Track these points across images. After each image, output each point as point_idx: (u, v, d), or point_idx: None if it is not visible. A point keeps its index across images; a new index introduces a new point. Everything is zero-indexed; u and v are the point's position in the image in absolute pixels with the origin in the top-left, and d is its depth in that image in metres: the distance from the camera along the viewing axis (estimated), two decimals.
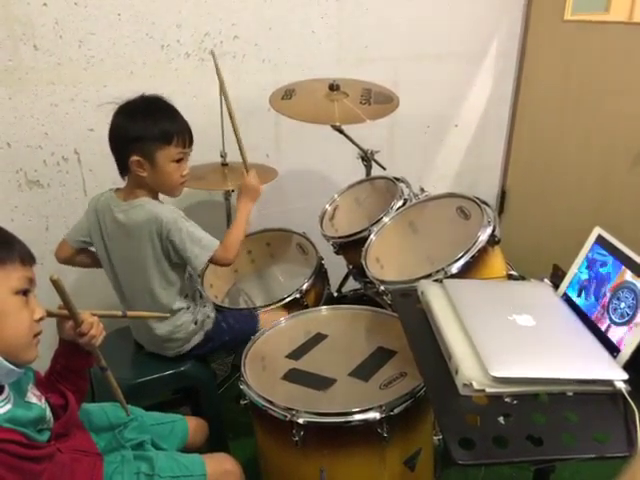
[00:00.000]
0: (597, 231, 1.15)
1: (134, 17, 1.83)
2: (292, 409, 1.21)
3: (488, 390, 0.92)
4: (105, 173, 1.81)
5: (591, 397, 0.94)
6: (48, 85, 1.78)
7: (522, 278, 1.60)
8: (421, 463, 1.33)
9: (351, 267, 1.95)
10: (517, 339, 1.04)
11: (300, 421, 1.19)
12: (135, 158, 1.40)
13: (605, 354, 0.99)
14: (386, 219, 1.75)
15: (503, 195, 2.89)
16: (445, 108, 2.58)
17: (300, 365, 1.40)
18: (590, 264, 1.14)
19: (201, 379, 1.66)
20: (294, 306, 1.76)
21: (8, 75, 1.72)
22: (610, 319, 1.04)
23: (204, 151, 1.68)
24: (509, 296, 1.22)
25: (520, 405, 0.92)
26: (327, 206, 2.03)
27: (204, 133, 1.58)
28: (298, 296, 1.78)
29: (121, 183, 1.51)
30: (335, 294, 2.06)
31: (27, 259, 0.94)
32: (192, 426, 1.40)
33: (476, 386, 0.92)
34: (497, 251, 1.51)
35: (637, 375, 0.94)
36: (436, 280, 1.34)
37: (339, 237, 1.84)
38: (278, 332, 1.56)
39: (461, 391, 0.94)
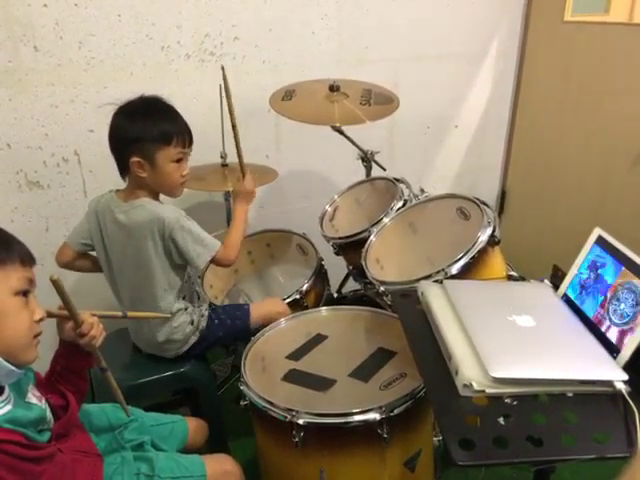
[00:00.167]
0: (597, 232, 1.15)
1: (134, 18, 1.83)
2: (292, 410, 1.21)
3: (488, 391, 0.92)
4: (105, 174, 1.82)
5: (591, 398, 0.94)
6: (48, 86, 1.78)
7: (522, 279, 1.60)
8: (421, 464, 1.33)
9: (351, 268, 1.95)
10: (517, 340, 1.04)
11: (300, 422, 1.19)
12: (135, 159, 1.40)
13: (605, 355, 0.99)
14: (386, 220, 1.75)
15: (503, 195, 2.89)
16: (445, 109, 2.58)
17: (300, 366, 1.40)
18: (590, 265, 1.14)
19: (201, 380, 1.66)
20: (294, 307, 1.76)
21: (8, 76, 1.72)
22: (610, 320, 1.04)
23: (204, 152, 1.69)
24: (509, 297, 1.22)
25: (520, 406, 0.92)
26: (327, 207, 2.03)
27: (204, 134, 1.59)
28: (298, 297, 1.79)
29: (121, 184, 1.51)
30: (335, 295, 2.06)
31: (27, 260, 0.95)
32: (192, 427, 1.40)
33: (476, 387, 0.92)
34: (497, 252, 1.51)
35: (637, 376, 0.94)
36: (436, 281, 1.34)
37: (339, 238, 1.85)
38: (278, 333, 1.56)
39: (461, 392, 0.94)
